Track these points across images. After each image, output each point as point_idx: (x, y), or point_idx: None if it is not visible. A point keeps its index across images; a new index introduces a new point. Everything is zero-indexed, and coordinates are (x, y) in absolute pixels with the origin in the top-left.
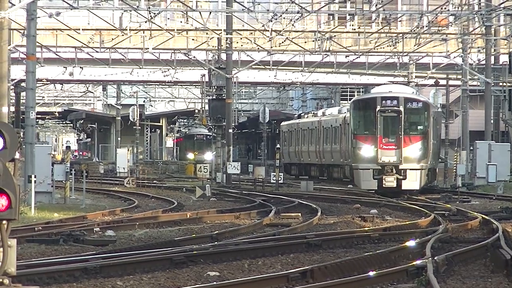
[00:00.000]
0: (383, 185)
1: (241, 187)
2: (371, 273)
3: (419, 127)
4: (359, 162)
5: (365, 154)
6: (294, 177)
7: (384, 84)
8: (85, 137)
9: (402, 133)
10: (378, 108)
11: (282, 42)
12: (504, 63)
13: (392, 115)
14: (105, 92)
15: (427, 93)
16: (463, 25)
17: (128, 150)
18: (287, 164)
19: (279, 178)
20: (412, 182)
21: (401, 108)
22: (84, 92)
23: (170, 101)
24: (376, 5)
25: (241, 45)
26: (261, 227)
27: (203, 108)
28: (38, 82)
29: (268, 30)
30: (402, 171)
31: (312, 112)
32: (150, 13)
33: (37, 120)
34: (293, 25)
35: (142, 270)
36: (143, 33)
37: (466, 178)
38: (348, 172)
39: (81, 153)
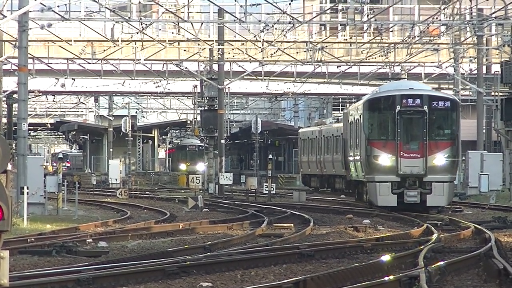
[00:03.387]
0: (404, 201)
1: (234, 198)
2: (364, 283)
3: (446, 131)
4: (375, 173)
5: (382, 164)
6: (313, 190)
7: (399, 79)
8: (77, 147)
9: (427, 138)
10: (398, 108)
11: (274, 53)
12: (495, 72)
13: (414, 117)
14: (97, 103)
15: None
16: (454, 35)
17: (120, 161)
18: (306, 175)
19: (271, 189)
20: (439, 197)
21: (426, 108)
22: (76, 103)
23: (162, 112)
24: (367, 15)
25: (233, 56)
26: (254, 237)
27: (195, 119)
28: (30, 94)
29: (260, 41)
30: (427, 184)
31: (335, 117)
32: (141, 24)
33: (29, 131)
34: (284, 35)
35: (135, 281)
36: (135, 44)
37: (458, 188)
38: None
39: (54, 164)
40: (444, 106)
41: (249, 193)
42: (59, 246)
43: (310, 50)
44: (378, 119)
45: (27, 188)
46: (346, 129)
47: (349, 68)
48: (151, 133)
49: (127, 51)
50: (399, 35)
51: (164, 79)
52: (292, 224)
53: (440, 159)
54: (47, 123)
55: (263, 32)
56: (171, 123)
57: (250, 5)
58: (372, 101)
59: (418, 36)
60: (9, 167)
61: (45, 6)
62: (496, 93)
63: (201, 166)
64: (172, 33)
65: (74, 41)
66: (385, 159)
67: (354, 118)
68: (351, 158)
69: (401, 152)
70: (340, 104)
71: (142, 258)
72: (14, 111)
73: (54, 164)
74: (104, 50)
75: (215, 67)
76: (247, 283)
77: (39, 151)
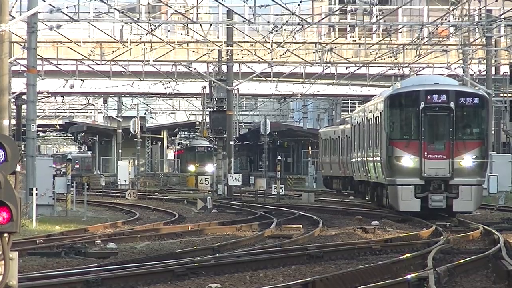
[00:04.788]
0: (428, 206)
1: (243, 199)
2: (373, 284)
3: (475, 130)
4: (397, 175)
5: (405, 165)
6: (335, 192)
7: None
8: (87, 148)
9: (454, 137)
10: (422, 105)
11: (283, 54)
12: (505, 73)
13: (440, 114)
14: (106, 105)
15: None
16: (463, 36)
17: (129, 162)
18: (327, 177)
19: (280, 190)
20: (466, 202)
21: (452, 105)
22: (85, 104)
23: (171, 113)
24: (376, 17)
25: (242, 57)
26: (263, 239)
27: (204, 120)
28: (39, 95)
29: (269, 42)
30: (453, 187)
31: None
32: (150, 26)
33: (38, 132)
34: (293, 36)
35: (144, 282)
36: (144, 45)
37: None
38: None
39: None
40: (472, 102)
41: (258, 195)
42: (68, 248)
43: (319, 51)
44: (400, 116)
45: (36, 190)
46: (364, 127)
47: (358, 69)
48: (160, 134)
49: (136, 52)
50: (408, 36)
51: (173, 80)
52: (301, 226)
53: (467, 160)
54: (56, 125)
55: (272, 33)
56: (180, 124)
57: (259, 6)
58: (394, 97)
59: (427, 37)
60: (18, 168)
61: (54, 7)
62: (505, 94)
63: (210, 168)
64: (181, 34)
65: (83, 42)
66: (407, 160)
67: (373, 115)
68: (370, 159)
69: (425, 153)
70: (349, 105)
71: (151, 259)
72: (23, 112)
73: (53, 166)
74: (113, 51)
75: (224, 68)
76: (256, 284)
77: (48, 153)
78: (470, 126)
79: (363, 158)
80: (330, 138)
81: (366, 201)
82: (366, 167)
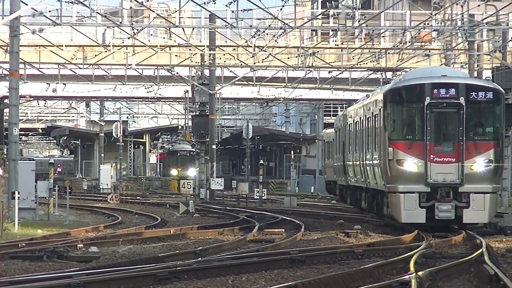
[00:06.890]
0: (435, 217)
1: (225, 203)
2: None
3: (488, 130)
4: (399, 182)
5: (408, 170)
6: (338, 198)
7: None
8: (69, 152)
9: (464, 138)
10: (428, 100)
11: (265, 58)
12: (487, 78)
13: (448, 111)
14: (88, 109)
15: None
16: (446, 41)
17: (111, 166)
18: (330, 182)
19: (263, 194)
20: (479, 212)
21: (462, 101)
22: (67, 108)
23: (154, 117)
24: (359, 21)
25: (224, 61)
26: (245, 243)
27: (186, 124)
28: (21, 99)
29: (251, 46)
30: (464, 195)
31: None
32: (133, 30)
33: (21, 136)
34: (276, 41)
35: (126, 286)
36: (126, 49)
37: None
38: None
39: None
40: (485, 97)
41: (240, 199)
42: (50, 251)
43: (302, 56)
44: (403, 113)
45: (18, 193)
46: (361, 127)
47: (340, 73)
48: (142, 138)
49: (118, 56)
50: (391, 41)
51: (156, 84)
52: (283, 230)
53: (480, 164)
54: (39, 128)
55: (254, 37)
56: (163, 128)
57: (241, 10)
58: (395, 91)
59: (409, 42)
60: (0, 172)
61: (37, 11)
62: None
63: (192, 172)
64: (164, 38)
65: (65, 46)
66: (411, 164)
67: (372, 113)
68: (368, 162)
69: (431, 156)
70: (332, 109)
71: (133, 263)
72: (6, 116)
73: None
74: (96, 55)
75: (207, 72)
76: None
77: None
78: (482, 124)
79: (360, 162)
80: (334, 140)
81: (360, 211)
82: (365, 172)
